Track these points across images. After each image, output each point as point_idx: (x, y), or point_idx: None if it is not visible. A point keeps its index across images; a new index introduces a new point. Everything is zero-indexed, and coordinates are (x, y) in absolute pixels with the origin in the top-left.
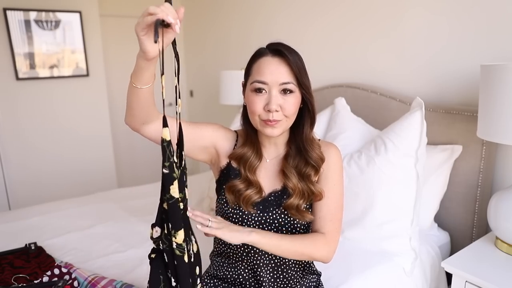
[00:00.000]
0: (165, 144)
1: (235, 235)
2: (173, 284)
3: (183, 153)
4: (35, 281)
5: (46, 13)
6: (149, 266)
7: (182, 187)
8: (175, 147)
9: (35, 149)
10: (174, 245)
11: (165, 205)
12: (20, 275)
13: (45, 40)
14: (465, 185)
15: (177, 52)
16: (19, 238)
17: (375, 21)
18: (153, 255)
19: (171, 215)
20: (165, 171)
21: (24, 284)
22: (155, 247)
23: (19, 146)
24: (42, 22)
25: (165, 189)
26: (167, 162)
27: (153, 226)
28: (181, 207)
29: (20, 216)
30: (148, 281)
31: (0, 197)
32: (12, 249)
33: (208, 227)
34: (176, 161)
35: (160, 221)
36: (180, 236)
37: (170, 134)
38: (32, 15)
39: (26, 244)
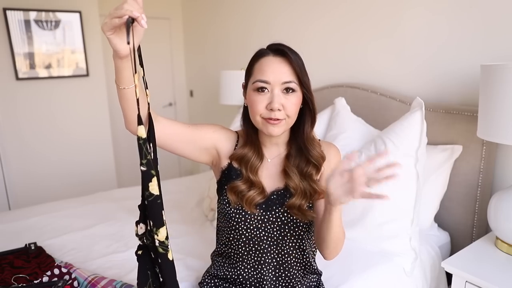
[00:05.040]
0: (141, 142)
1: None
2: (161, 279)
3: (150, 145)
4: (35, 281)
5: (46, 13)
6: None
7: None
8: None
9: (35, 149)
10: (157, 243)
11: (146, 202)
12: (20, 275)
13: (45, 40)
14: (465, 185)
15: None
16: (19, 238)
17: (375, 21)
18: (139, 252)
19: (151, 213)
20: (142, 168)
21: (24, 284)
22: (141, 244)
23: (19, 146)
24: (42, 22)
25: (144, 187)
26: (144, 160)
27: (137, 223)
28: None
29: (20, 216)
30: (137, 277)
31: (0, 197)
32: (12, 249)
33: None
34: (152, 158)
35: (143, 218)
36: (162, 234)
37: (145, 131)
38: (32, 15)
39: (26, 244)
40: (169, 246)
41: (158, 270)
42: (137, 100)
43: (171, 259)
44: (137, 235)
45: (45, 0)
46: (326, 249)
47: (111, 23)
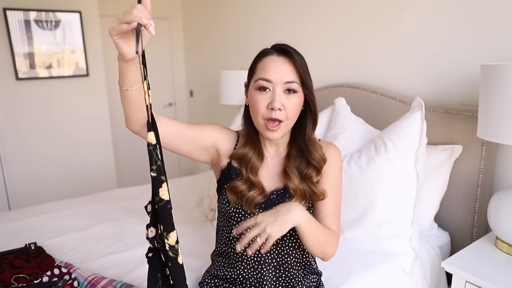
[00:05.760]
0: (151, 148)
1: (284, 228)
2: (171, 282)
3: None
4: (35, 281)
5: (46, 13)
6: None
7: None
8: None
9: (35, 149)
10: (167, 247)
11: (156, 207)
12: (20, 275)
13: (45, 40)
14: (465, 185)
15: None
16: (19, 238)
17: (375, 20)
18: (150, 254)
19: (161, 217)
20: (153, 174)
21: (24, 284)
22: (151, 246)
23: (19, 146)
24: (42, 22)
25: (154, 192)
26: (154, 166)
27: (148, 226)
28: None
29: (20, 216)
30: (147, 280)
31: (0, 197)
32: (12, 249)
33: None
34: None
35: (154, 222)
36: (172, 238)
37: (155, 137)
38: (32, 15)
39: (26, 244)
40: (179, 250)
41: (168, 273)
42: (147, 106)
43: (181, 262)
44: (147, 238)
45: (45, 0)
46: (315, 254)
47: (119, 28)
